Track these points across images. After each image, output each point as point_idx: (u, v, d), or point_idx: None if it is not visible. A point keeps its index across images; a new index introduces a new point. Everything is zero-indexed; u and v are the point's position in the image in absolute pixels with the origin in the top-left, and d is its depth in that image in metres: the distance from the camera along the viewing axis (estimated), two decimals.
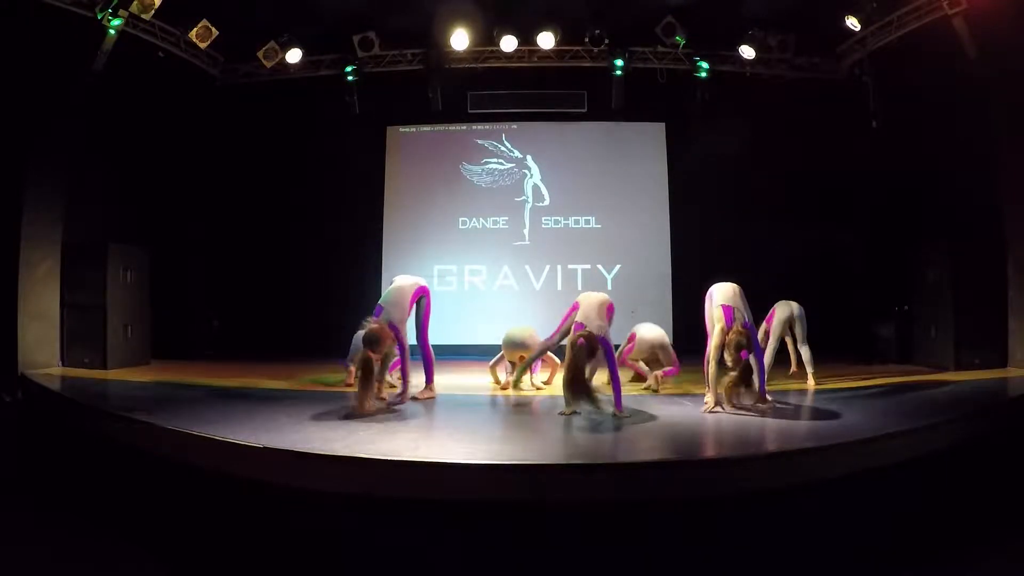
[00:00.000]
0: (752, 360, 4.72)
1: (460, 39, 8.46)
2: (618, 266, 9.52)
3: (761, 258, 8.67)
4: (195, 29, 7.79)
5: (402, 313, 5.29)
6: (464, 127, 9.81)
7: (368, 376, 4.73)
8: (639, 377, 6.22)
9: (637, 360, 6.16)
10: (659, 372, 5.94)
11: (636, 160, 9.65)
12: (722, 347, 4.75)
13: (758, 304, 6.12)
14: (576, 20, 8.45)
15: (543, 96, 9.56)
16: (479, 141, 9.76)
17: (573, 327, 4.83)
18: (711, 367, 4.83)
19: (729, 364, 4.70)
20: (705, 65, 8.80)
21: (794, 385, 5.95)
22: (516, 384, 5.63)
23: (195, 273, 9.01)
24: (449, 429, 4.41)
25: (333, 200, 9.46)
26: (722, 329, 4.83)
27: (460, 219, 9.72)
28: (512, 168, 9.75)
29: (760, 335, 5.64)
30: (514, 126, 9.77)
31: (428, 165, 9.75)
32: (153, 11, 7.23)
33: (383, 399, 5.10)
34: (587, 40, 8.57)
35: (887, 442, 3.85)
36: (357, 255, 9.58)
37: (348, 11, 8.22)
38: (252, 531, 3.49)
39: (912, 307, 7.48)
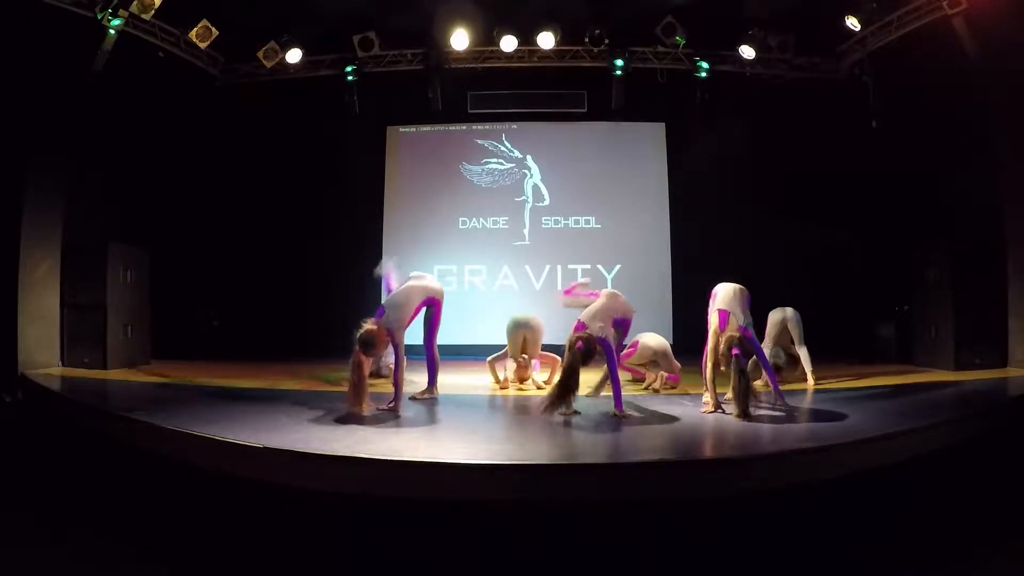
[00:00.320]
0: (757, 364, 4.74)
1: (460, 39, 8.46)
2: (618, 266, 9.52)
3: (761, 258, 8.68)
4: (195, 29, 7.79)
5: (401, 319, 5.08)
6: (464, 127, 9.81)
7: (360, 377, 4.69)
8: (637, 379, 6.22)
9: (636, 365, 6.15)
10: (663, 373, 5.93)
11: (636, 160, 9.66)
12: (716, 349, 4.76)
13: (759, 304, 6.13)
14: (576, 20, 8.45)
15: (543, 96, 9.56)
16: (479, 141, 9.76)
17: (574, 327, 4.81)
18: (707, 370, 4.85)
19: (722, 367, 4.72)
20: (705, 65, 8.80)
21: (794, 385, 5.95)
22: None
23: (195, 273, 9.00)
24: (449, 429, 4.41)
25: (333, 200, 9.46)
26: (715, 332, 4.85)
27: (460, 219, 9.72)
28: (512, 168, 9.75)
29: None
30: (514, 126, 9.78)
31: (428, 165, 9.76)
32: (153, 11, 7.23)
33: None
34: (587, 40, 8.57)
35: (887, 442, 3.85)
36: (357, 255, 9.57)
37: (348, 11, 8.23)
38: (252, 531, 3.49)
39: (912, 307, 7.47)
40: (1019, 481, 4.12)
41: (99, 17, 6.91)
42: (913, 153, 7.96)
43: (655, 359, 5.98)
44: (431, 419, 4.83)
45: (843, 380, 6.25)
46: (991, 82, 6.60)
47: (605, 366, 4.84)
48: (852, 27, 7.83)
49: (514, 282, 9.60)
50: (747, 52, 8.36)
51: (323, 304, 9.16)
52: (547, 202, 9.70)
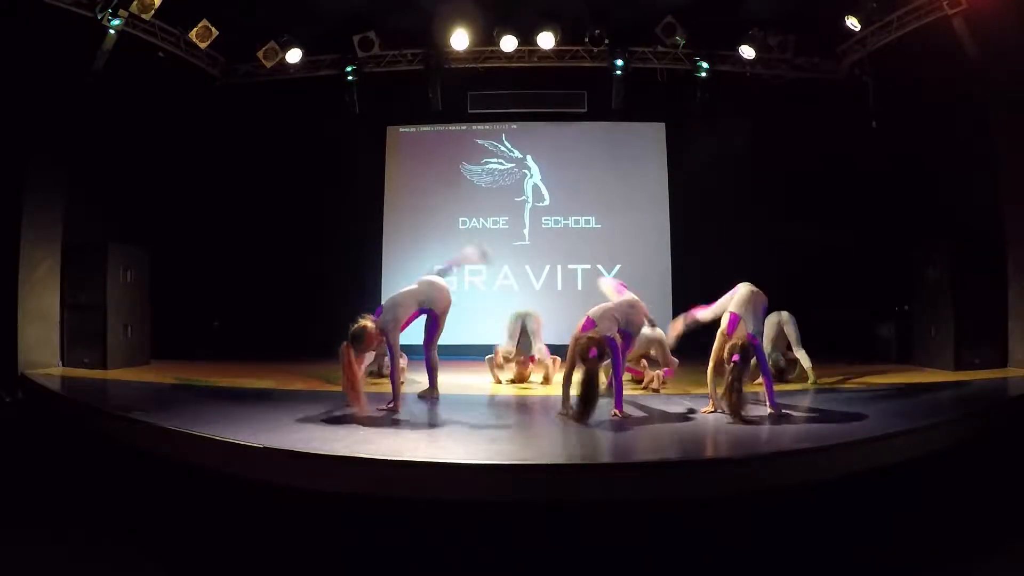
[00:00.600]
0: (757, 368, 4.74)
1: (460, 39, 8.46)
2: (618, 266, 9.51)
3: (761, 258, 8.66)
4: (195, 29, 7.79)
5: (396, 319, 5.07)
6: (464, 127, 9.81)
7: (352, 377, 4.68)
8: (636, 379, 6.22)
9: (632, 358, 6.13)
10: (659, 371, 5.94)
11: (636, 160, 9.66)
12: (721, 351, 4.75)
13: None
14: (576, 20, 8.46)
15: (543, 96, 9.57)
16: (479, 141, 9.76)
17: (581, 325, 4.80)
18: (710, 371, 4.84)
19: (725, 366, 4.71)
20: (705, 65, 8.80)
21: (794, 386, 5.95)
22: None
23: (195, 273, 9.00)
24: (449, 429, 4.41)
25: (333, 200, 9.46)
26: (722, 333, 4.83)
27: (460, 219, 9.72)
28: (512, 168, 9.75)
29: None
30: (514, 126, 9.78)
31: (428, 165, 9.75)
32: (153, 11, 7.23)
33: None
34: (587, 40, 8.58)
35: (887, 442, 3.85)
36: (357, 255, 9.58)
37: (348, 11, 8.24)
38: (252, 531, 3.49)
39: (912, 307, 7.47)
40: (1019, 481, 4.12)
41: (99, 17, 6.91)
42: (913, 153, 7.96)
43: (650, 349, 5.97)
44: (431, 419, 4.83)
45: (843, 380, 6.25)
46: (991, 82, 6.60)
47: (608, 364, 4.83)
48: (852, 27, 7.83)
49: (514, 282, 9.60)
50: (747, 52, 8.36)
51: (323, 304, 9.15)
52: (547, 202, 9.70)
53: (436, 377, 5.50)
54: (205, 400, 5.35)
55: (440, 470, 3.36)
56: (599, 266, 9.56)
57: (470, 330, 9.30)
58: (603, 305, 4.99)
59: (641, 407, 5.04)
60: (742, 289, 5.03)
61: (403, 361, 5.54)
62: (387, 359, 6.13)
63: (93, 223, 7.40)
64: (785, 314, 6.17)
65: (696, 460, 3.72)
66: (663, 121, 9.61)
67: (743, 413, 4.42)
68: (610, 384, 5.25)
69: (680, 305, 9.16)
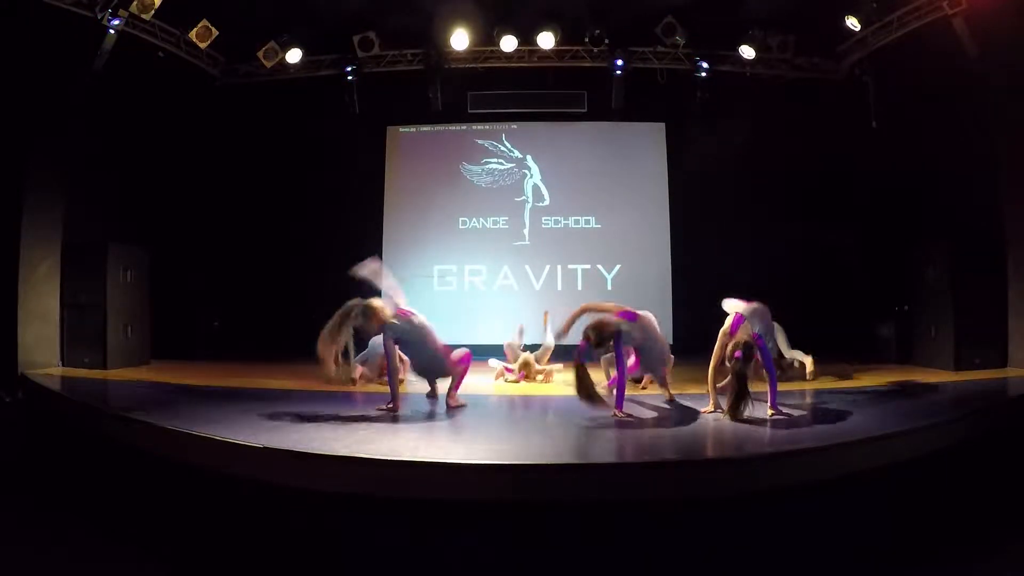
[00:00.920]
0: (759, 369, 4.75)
1: (460, 39, 8.46)
2: (618, 266, 9.52)
3: (761, 258, 8.68)
4: (195, 29, 7.80)
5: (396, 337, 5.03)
6: (464, 127, 9.81)
7: (335, 333, 4.76)
8: (634, 378, 6.20)
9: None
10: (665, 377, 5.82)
11: (636, 160, 9.66)
12: (722, 350, 4.75)
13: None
14: (576, 20, 8.46)
15: (543, 96, 9.56)
16: (479, 141, 9.76)
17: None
18: (711, 370, 4.83)
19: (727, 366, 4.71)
20: (705, 65, 8.80)
21: (793, 385, 5.94)
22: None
23: (195, 273, 9.00)
24: (449, 429, 4.41)
25: (333, 200, 9.46)
26: (724, 332, 4.83)
27: (460, 219, 9.72)
28: (512, 168, 9.75)
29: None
30: (514, 126, 9.78)
31: (428, 165, 9.76)
32: (153, 11, 7.23)
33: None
34: (587, 40, 8.57)
35: (887, 442, 3.85)
36: (357, 255, 9.54)
37: (348, 11, 8.23)
38: (252, 531, 3.49)
39: (912, 307, 7.47)
40: (1019, 481, 4.12)
41: (99, 17, 6.91)
42: (913, 153, 7.95)
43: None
44: (431, 419, 4.83)
45: (843, 380, 6.25)
46: (991, 82, 6.60)
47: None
48: (852, 27, 7.83)
49: (514, 282, 9.60)
50: (747, 52, 8.36)
51: (323, 304, 9.13)
52: (547, 202, 9.70)
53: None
54: (205, 400, 5.35)
55: (440, 470, 3.36)
56: (599, 266, 9.57)
57: (470, 330, 9.30)
58: (750, 304, 4.89)
59: (641, 407, 5.04)
60: (752, 304, 5.00)
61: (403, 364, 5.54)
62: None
63: (93, 223, 7.41)
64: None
65: (696, 460, 3.72)
66: (663, 121, 9.60)
67: (741, 412, 4.41)
68: (612, 384, 5.25)
69: (680, 305, 9.20)
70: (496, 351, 7.21)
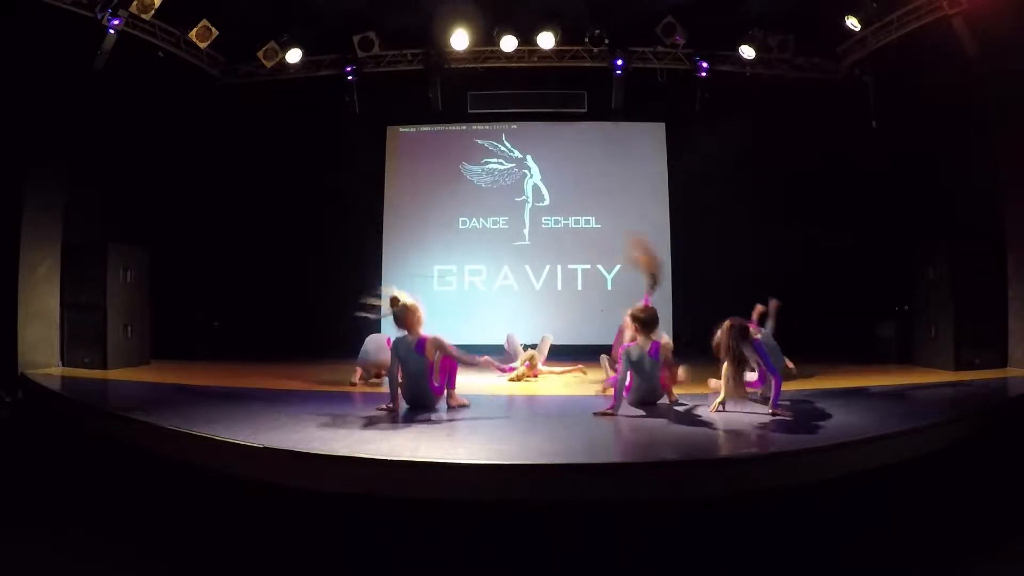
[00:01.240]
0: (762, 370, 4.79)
1: (460, 39, 8.46)
2: (618, 266, 9.51)
3: (761, 258, 8.69)
4: (195, 29, 7.80)
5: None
6: (464, 127, 9.81)
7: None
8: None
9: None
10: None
11: (636, 160, 9.66)
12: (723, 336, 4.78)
13: (759, 304, 6.15)
14: (576, 20, 8.46)
15: (543, 96, 9.57)
16: (479, 141, 9.77)
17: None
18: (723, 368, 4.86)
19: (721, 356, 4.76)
20: (705, 65, 8.80)
21: (793, 386, 5.94)
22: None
23: (195, 273, 9.01)
24: (449, 429, 4.41)
25: (333, 200, 9.47)
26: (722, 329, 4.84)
27: (460, 219, 9.73)
28: (512, 168, 9.75)
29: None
30: (514, 126, 9.78)
31: (428, 165, 9.76)
32: (153, 11, 7.24)
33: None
34: (587, 40, 8.58)
35: (887, 442, 3.84)
36: (357, 255, 9.59)
37: (348, 11, 8.23)
38: (252, 531, 3.49)
39: (912, 307, 7.47)
40: (1019, 481, 4.12)
41: (99, 17, 6.91)
42: (913, 153, 7.96)
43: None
44: (431, 419, 4.82)
45: (843, 380, 6.24)
46: (991, 82, 6.60)
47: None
48: (852, 27, 7.83)
49: (514, 282, 9.60)
50: (747, 52, 8.36)
51: (323, 304, 9.16)
52: (547, 202, 9.71)
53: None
54: (205, 400, 5.35)
55: (440, 470, 3.36)
56: (599, 266, 9.57)
57: (470, 330, 9.30)
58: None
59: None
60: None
61: None
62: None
63: (93, 223, 7.41)
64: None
65: (696, 460, 3.71)
66: (663, 121, 9.61)
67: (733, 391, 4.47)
68: (610, 383, 5.26)
69: (680, 305, 9.19)
70: (496, 351, 7.21)
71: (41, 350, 6.68)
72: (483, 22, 8.44)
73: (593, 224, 9.68)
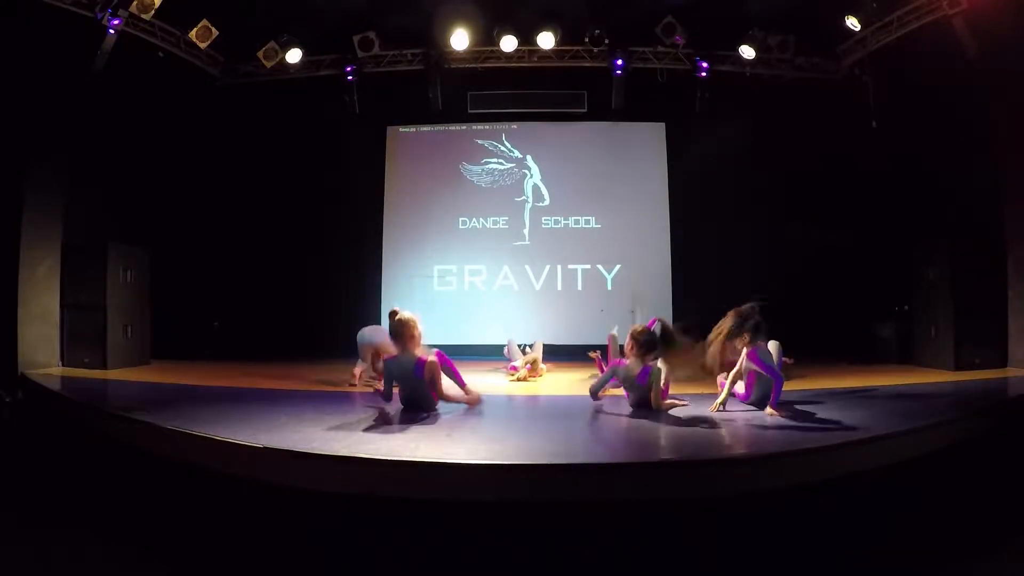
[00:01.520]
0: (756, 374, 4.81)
1: (460, 39, 8.46)
2: (618, 266, 9.52)
3: (761, 258, 8.69)
4: (195, 29, 7.80)
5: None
6: (464, 127, 9.81)
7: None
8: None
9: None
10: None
11: (636, 160, 9.66)
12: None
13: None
14: (576, 20, 8.46)
15: (543, 96, 9.57)
16: (479, 141, 9.77)
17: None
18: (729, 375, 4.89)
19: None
20: (705, 65, 8.80)
21: (793, 386, 5.94)
22: None
23: (195, 273, 9.01)
24: (449, 429, 4.41)
25: (333, 200, 9.47)
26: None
27: (460, 219, 9.73)
28: (512, 168, 9.75)
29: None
30: (514, 126, 9.78)
31: (428, 165, 9.76)
32: (153, 11, 7.24)
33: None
34: (587, 40, 8.58)
35: (887, 442, 3.84)
36: (357, 255, 9.59)
37: (348, 11, 8.23)
38: (252, 531, 3.49)
39: (912, 307, 7.47)
40: (1019, 481, 4.12)
41: (99, 17, 6.91)
42: (913, 153, 7.96)
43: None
44: (431, 419, 4.82)
45: (843, 380, 6.24)
46: (991, 82, 6.60)
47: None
48: (852, 27, 7.83)
49: (514, 282, 9.60)
50: (747, 52, 8.36)
51: (323, 304, 9.17)
52: (547, 202, 9.71)
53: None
54: (205, 400, 5.34)
55: (440, 470, 3.36)
56: (599, 266, 9.57)
57: (470, 330, 9.32)
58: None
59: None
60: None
61: None
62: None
63: (93, 223, 7.41)
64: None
65: (696, 460, 3.71)
66: (663, 121, 9.61)
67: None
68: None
69: (680, 305, 9.20)
70: (495, 351, 7.24)
71: (41, 350, 6.68)
72: (483, 22, 8.44)
73: (593, 224, 9.67)
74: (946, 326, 6.78)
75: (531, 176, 9.73)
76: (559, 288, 9.58)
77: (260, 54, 8.38)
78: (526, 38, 8.58)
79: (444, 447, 3.81)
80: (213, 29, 7.85)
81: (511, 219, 9.69)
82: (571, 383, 6.58)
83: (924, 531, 3.52)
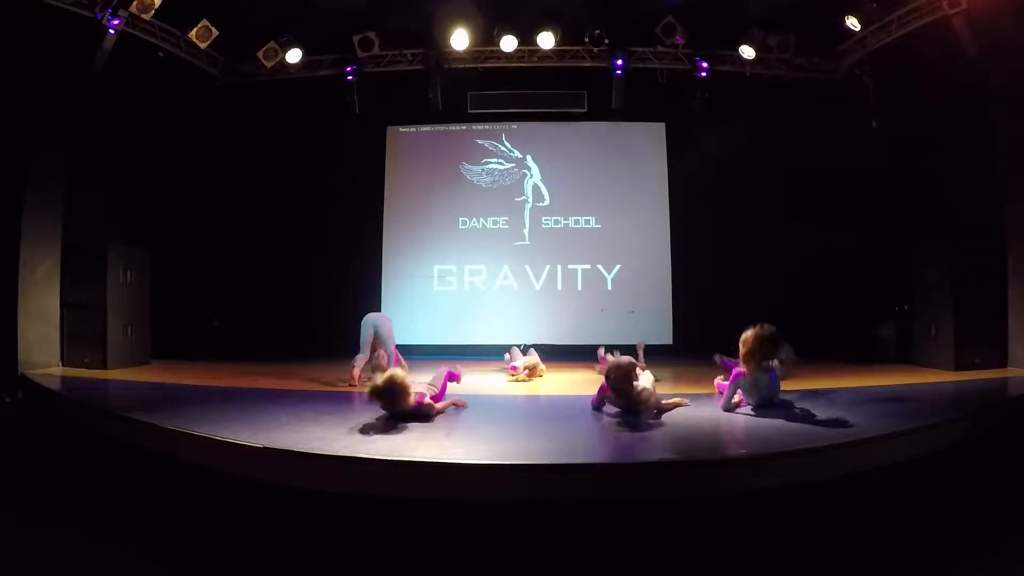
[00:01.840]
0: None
1: (460, 39, 8.45)
2: (618, 266, 9.52)
3: (761, 258, 8.69)
4: (195, 29, 7.80)
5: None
6: (464, 127, 9.82)
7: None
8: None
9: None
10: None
11: (636, 160, 9.66)
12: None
13: (758, 305, 6.14)
14: (576, 20, 8.45)
15: (543, 96, 9.57)
16: (479, 141, 9.77)
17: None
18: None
19: None
20: (705, 65, 8.80)
21: (793, 385, 5.94)
22: None
23: (195, 273, 9.01)
24: (449, 429, 4.41)
25: (333, 200, 9.47)
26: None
27: (460, 219, 9.73)
28: (512, 168, 9.75)
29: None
30: (514, 126, 9.78)
31: (428, 165, 9.76)
32: (153, 11, 7.23)
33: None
34: (587, 40, 8.57)
35: (887, 442, 3.85)
36: (357, 255, 9.59)
37: (348, 11, 8.22)
38: (252, 531, 3.49)
39: (912, 307, 7.47)
40: (1019, 481, 4.12)
41: (99, 17, 6.91)
42: (913, 153, 7.96)
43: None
44: (431, 419, 4.82)
45: (843, 380, 6.24)
46: (991, 82, 6.60)
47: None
48: (852, 27, 7.83)
49: (514, 282, 9.60)
50: (747, 52, 8.35)
51: (323, 304, 9.17)
52: (547, 202, 9.71)
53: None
54: (205, 400, 5.35)
55: (440, 470, 3.36)
56: (599, 266, 9.57)
57: (470, 330, 9.33)
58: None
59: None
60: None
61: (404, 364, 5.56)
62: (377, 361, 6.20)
63: (93, 223, 7.41)
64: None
65: (696, 460, 3.71)
66: (663, 121, 9.61)
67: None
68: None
69: (680, 305, 9.20)
70: (495, 351, 7.25)
71: (41, 350, 6.68)
72: (483, 22, 8.43)
73: (593, 224, 9.67)
74: (946, 326, 6.78)
75: (531, 176, 9.73)
76: (559, 288, 9.58)
77: (260, 54, 8.38)
78: (526, 38, 8.57)
79: (444, 447, 3.82)
80: (213, 29, 7.84)
81: (511, 219, 9.69)
82: (571, 383, 6.57)
83: (924, 531, 3.52)
